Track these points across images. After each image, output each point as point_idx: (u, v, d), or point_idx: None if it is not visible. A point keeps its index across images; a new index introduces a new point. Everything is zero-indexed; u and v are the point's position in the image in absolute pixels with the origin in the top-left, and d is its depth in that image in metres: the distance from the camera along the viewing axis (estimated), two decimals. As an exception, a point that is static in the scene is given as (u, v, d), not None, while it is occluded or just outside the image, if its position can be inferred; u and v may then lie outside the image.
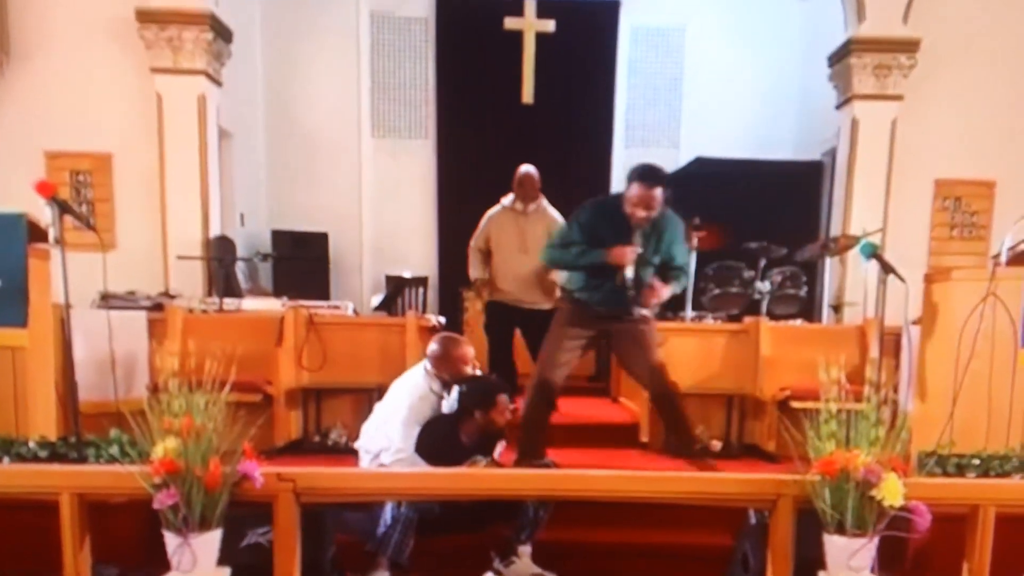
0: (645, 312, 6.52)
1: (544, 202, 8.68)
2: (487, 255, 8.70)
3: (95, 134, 9.98)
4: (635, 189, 6.10)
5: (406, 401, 5.86)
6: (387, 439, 5.76)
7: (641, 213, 6.11)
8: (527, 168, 8.65)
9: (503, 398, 5.60)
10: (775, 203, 11.44)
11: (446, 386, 5.91)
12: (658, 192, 6.08)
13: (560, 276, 7.37)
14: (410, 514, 5.09)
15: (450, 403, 5.85)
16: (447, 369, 5.89)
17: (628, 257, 6.13)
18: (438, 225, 13.45)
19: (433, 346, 6.02)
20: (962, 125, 10.44)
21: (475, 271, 8.79)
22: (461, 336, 6.17)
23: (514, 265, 8.51)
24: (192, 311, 7.94)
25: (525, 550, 5.45)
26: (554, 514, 5.48)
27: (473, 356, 6.03)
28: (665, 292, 6.39)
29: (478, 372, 6.15)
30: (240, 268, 10.61)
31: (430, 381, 5.94)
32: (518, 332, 8.64)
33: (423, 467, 5.45)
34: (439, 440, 5.65)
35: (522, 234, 8.54)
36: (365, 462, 5.95)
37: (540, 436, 6.62)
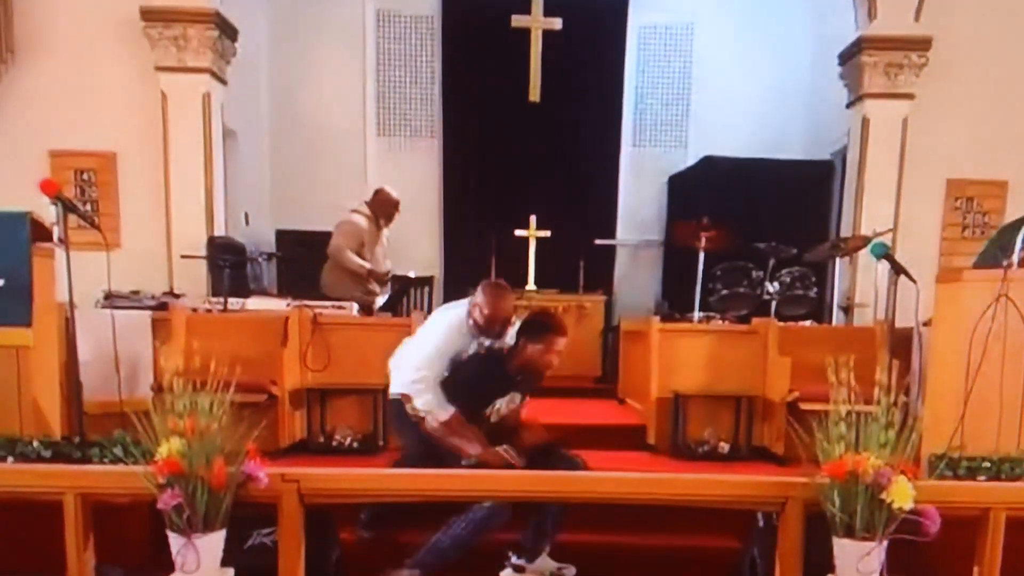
0: None
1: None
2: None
3: (99, 133, 10.00)
4: None
5: (441, 330, 5.78)
6: (410, 365, 5.69)
7: None
8: (396, 196, 9.91)
9: (553, 339, 5.49)
10: (784, 203, 11.45)
11: (482, 333, 5.77)
12: None
13: None
14: (472, 538, 5.08)
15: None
16: (481, 316, 5.69)
17: None
18: (443, 224, 13.50)
19: (479, 289, 5.80)
20: (974, 124, 10.41)
21: (364, 266, 9.66)
22: (506, 287, 5.92)
23: (375, 265, 9.77)
24: (196, 311, 7.94)
25: (543, 547, 5.50)
26: (568, 516, 5.52)
27: (511, 311, 5.84)
28: None
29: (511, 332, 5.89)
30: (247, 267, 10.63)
31: (469, 321, 5.75)
32: None
33: (438, 397, 5.48)
34: (483, 374, 5.65)
35: (379, 241, 9.92)
36: (395, 386, 5.88)
37: None
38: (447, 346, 5.67)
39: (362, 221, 9.65)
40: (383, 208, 9.74)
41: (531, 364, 5.55)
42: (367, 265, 9.54)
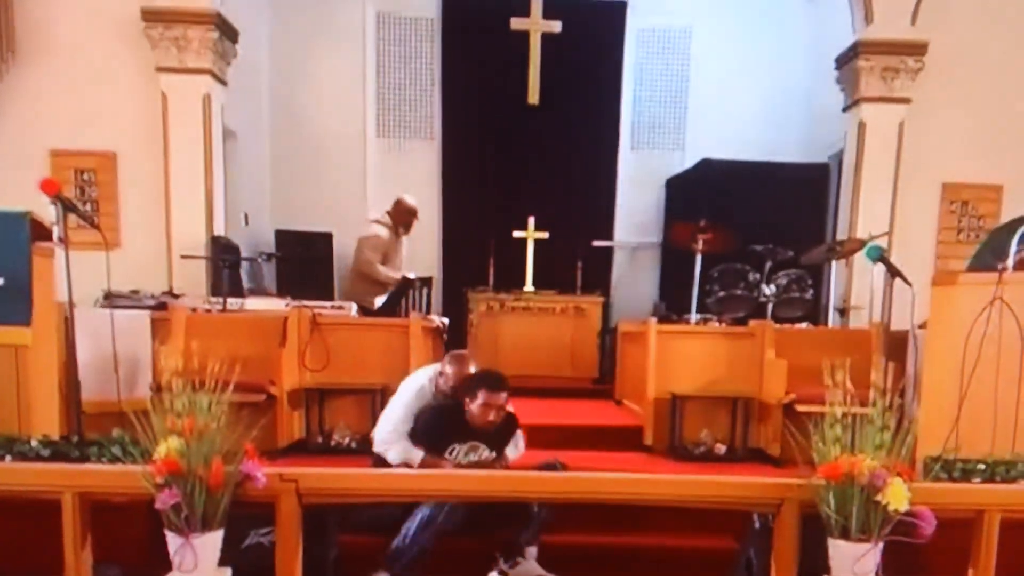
0: None
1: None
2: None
3: (100, 133, 9.98)
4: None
5: (405, 396, 6.02)
6: (382, 425, 5.93)
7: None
8: (414, 203, 10.23)
9: (484, 393, 5.55)
10: (781, 206, 11.44)
11: (444, 398, 5.97)
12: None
13: None
14: (429, 541, 5.15)
15: None
16: (447, 384, 5.94)
17: None
18: (442, 225, 13.46)
19: (444, 359, 6.07)
20: (970, 128, 10.42)
21: (394, 276, 9.94)
22: (469, 356, 6.16)
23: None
24: (196, 310, 7.94)
25: (531, 551, 5.48)
26: (557, 517, 5.50)
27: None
28: None
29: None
30: (244, 268, 10.60)
31: (432, 386, 6.02)
32: None
33: (404, 446, 5.68)
34: (437, 413, 5.79)
35: (401, 251, 10.29)
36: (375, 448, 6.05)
37: None
38: (413, 405, 5.91)
39: (384, 232, 9.90)
40: (402, 217, 10.00)
41: (473, 419, 5.62)
42: (396, 276, 9.74)
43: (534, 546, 5.50)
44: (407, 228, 10.12)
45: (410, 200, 10.04)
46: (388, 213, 10.10)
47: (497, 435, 5.76)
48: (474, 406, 5.54)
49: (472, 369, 5.93)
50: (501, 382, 5.65)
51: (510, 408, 5.83)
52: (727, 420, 7.74)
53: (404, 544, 5.14)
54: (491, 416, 5.55)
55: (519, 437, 5.98)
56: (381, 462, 5.88)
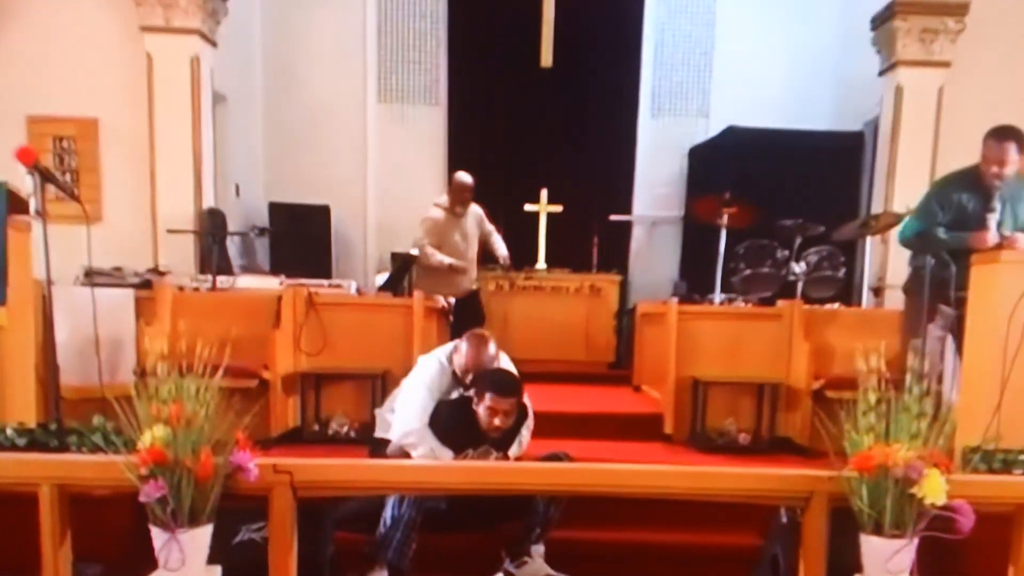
0: None
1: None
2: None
3: (80, 98, 10.00)
4: (988, 145, 6.31)
5: (424, 377, 5.96)
6: (400, 412, 5.88)
7: (994, 169, 6.27)
8: (468, 179, 9.71)
9: (491, 397, 5.44)
10: (812, 177, 11.45)
11: (459, 384, 5.95)
12: (1011, 147, 6.23)
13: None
14: (413, 514, 5.10)
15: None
16: (463, 368, 5.91)
17: (987, 241, 6.24)
18: (448, 198, 13.37)
19: (461, 341, 6.03)
20: (1012, 93, 10.28)
21: (444, 262, 9.52)
22: (488, 337, 6.09)
23: (459, 259, 9.65)
24: (183, 289, 7.97)
25: (538, 550, 5.47)
26: (568, 512, 5.50)
27: (491, 360, 5.95)
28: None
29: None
30: (235, 243, 10.61)
31: (448, 366, 6.00)
32: None
33: (434, 443, 5.57)
34: (455, 414, 5.70)
35: (463, 232, 9.79)
36: (379, 432, 6.10)
37: None
38: (434, 387, 5.91)
39: (438, 213, 9.69)
40: (457, 194, 9.72)
41: (480, 421, 5.52)
42: (447, 260, 9.50)
43: (541, 545, 5.49)
44: (464, 205, 9.77)
45: (463, 176, 9.76)
46: (447, 192, 9.93)
47: (508, 438, 5.70)
48: (480, 408, 5.47)
49: (491, 352, 5.92)
50: (510, 386, 5.57)
51: (525, 399, 5.80)
52: (752, 407, 7.75)
53: (387, 528, 5.13)
54: (497, 421, 5.44)
55: (524, 433, 5.91)
56: (378, 451, 5.93)
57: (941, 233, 6.44)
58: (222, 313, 7.20)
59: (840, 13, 12.74)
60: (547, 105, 13.04)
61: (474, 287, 10.09)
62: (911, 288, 6.81)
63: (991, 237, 6.23)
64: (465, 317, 9.36)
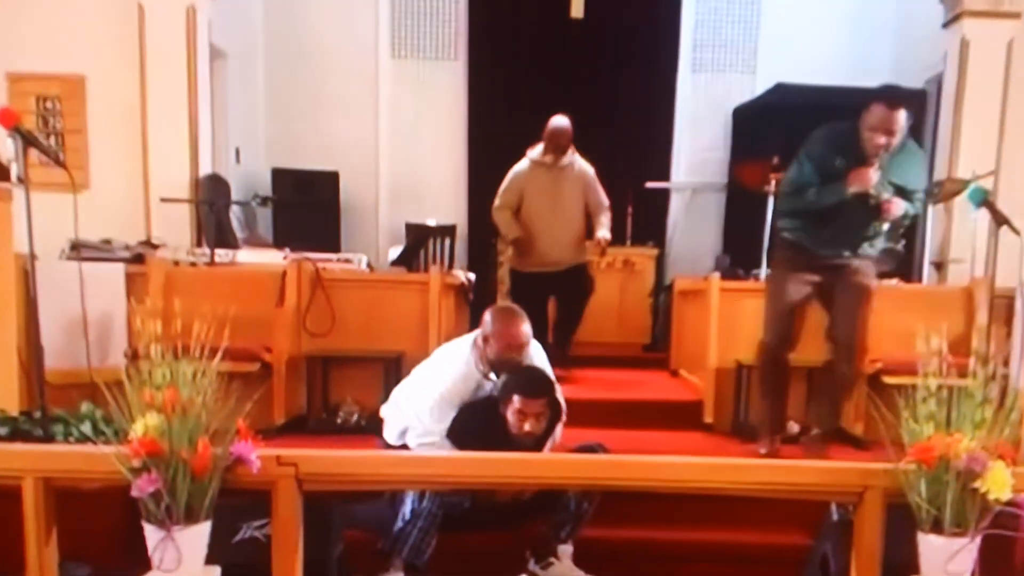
0: (867, 265, 6.93)
1: (575, 155, 9.04)
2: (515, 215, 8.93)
3: (66, 54, 9.96)
4: (876, 111, 6.17)
5: (446, 377, 5.73)
6: (416, 417, 5.70)
7: (880, 140, 6.17)
8: (560, 122, 8.92)
9: (519, 399, 5.28)
10: (869, 140, 11.38)
11: (492, 368, 5.71)
12: (901, 115, 6.14)
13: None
14: (434, 510, 5.09)
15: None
16: (492, 348, 5.64)
17: (870, 179, 6.23)
18: (468, 164, 13.45)
19: (486, 317, 5.79)
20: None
21: (512, 231, 8.96)
22: (519, 312, 5.84)
23: (548, 224, 8.85)
24: (178, 264, 8.00)
25: (566, 550, 5.46)
26: (600, 508, 5.48)
27: (526, 337, 5.72)
28: (896, 209, 6.45)
29: (531, 359, 5.85)
30: (235, 214, 10.62)
31: (477, 359, 5.75)
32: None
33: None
34: (478, 423, 5.53)
35: (555, 190, 8.91)
36: (390, 437, 5.92)
37: (777, 407, 7.10)
38: (449, 396, 5.66)
39: (522, 165, 9.21)
40: (549, 140, 9.03)
41: (509, 427, 5.34)
42: (512, 232, 8.98)
43: (570, 545, 5.46)
44: (557, 154, 8.94)
45: (558, 118, 9.02)
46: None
47: (541, 443, 5.50)
48: (508, 412, 5.30)
49: (524, 329, 5.68)
50: (539, 385, 5.44)
51: (558, 394, 5.61)
52: (801, 394, 7.73)
53: (404, 523, 5.13)
54: (527, 426, 5.27)
55: (556, 429, 5.71)
56: (389, 448, 5.84)
57: (812, 195, 6.46)
58: (221, 290, 7.19)
59: (900, -42, 12.68)
60: (577, 60, 12.98)
61: (578, 261, 9.11)
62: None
63: (872, 173, 6.21)
64: (561, 299, 9.05)
